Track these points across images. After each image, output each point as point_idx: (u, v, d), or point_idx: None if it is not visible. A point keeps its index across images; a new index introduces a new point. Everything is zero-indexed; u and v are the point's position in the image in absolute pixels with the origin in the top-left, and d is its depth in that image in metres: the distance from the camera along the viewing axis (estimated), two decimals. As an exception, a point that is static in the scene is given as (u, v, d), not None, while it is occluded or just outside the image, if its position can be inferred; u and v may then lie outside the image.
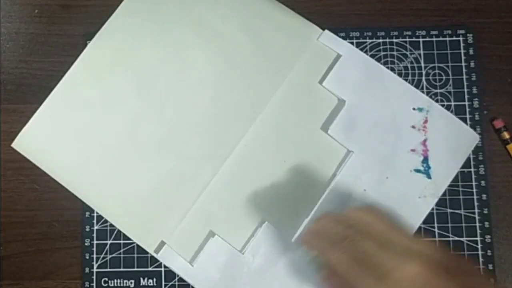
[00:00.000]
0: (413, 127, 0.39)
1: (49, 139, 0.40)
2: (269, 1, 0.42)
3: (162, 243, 0.39)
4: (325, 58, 0.40)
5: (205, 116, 0.40)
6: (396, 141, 0.39)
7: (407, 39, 0.42)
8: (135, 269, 0.40)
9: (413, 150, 0.39)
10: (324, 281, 0.33)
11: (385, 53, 0.42)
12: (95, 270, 0.40)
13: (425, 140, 0.39)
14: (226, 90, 0.40)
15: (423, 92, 0.41)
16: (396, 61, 0.42)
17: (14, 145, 0.40)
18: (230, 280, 0.38)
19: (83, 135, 0.40)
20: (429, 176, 0.39)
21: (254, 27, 0.41)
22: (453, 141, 0.39)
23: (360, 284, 0.28)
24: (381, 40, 0.42)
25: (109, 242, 0.40)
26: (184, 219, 0.39)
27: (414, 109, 0.39)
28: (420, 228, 0.39)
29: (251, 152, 0.39)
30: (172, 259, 0.38)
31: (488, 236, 0.39)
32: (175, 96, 0.41)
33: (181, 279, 0.39)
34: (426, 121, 0.39)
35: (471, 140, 0.39)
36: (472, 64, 0.41)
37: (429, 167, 0.39)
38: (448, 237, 0.39)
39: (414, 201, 0.38)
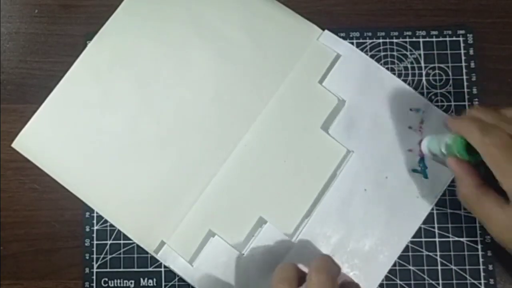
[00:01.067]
0: (410, 127, 0.39)
1: (49, 139, 0.40)
2: (269, 1, 0.42)
3: (162, 243, 0.39)
4: (325, 58, 0.40)
5: (205, 116, 0.40)
6: (394, 141, 0.39)
7: (407, 39, 0.42)
8: (135, 269, 0.40)
9: (410, 150, 0.39)
10: (453, 165, 0.33)
11: (385, 53, 0.42)
12: (95, 270, 0.40)
13: (421, 141, 0.39)
14: (226, 90, 0.40)
15: (423, 92, 0.41)
16: (396, 61, 0.42)
17: (14, 145, 0.40)
18: (230, 281, 0.38)
19: (83, 135, 0.40)
20: (426, 176, 0.39)
21: (254, 27, 0.41)
22: None
23: (508, 173, 0.28)
24: (381, 40, 0.42)
25: (109, 242, 0.40)
26: (184, 219, 0.39)
27: (411, 109, 0.40)
28: (420, 228, 0.39)
29: (251, 152, 0.39)
30: (172, 259, 0.38)
31: (488, 236, 0.39)
32: (175, 96, 0.41)
33: (181, 279, 0.39)
34: (422, 122, 0.39)
35: None
36: (472, 64, 0.41)
37: (425, 167, 0.39)
38: (448, 237, 0.39)
39: (413, 201, 0.38)
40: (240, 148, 0.39)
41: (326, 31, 0.41)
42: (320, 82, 0.40)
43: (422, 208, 0.39)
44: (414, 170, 0.39)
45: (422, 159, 0.39)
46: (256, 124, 0.40)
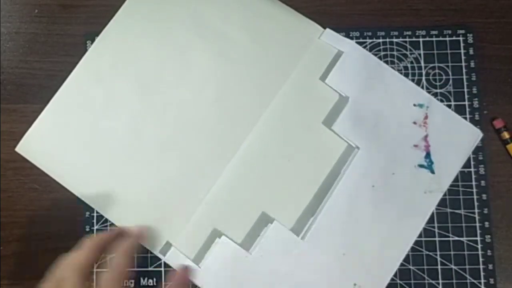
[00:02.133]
0: (415, 123, 0.39)
1: (52, 142, 0.40)
2: (270, 1, 0.42)
3: (168, 244, 0.38)
4: (327, 55, 0.40)
5: (208, 117, 0.40)
6: (399, 137, 0.39)
7: (407, 39, 0.42)
8: (135, 269, 0.40)
9: (416, 146, 0.39)
10: None
11: (385, 53, 0.42)
12: (95, 270, 0.40)
13: (426, 136, 0.39)
14: (228, 90, 0.40)
15: (423, 92, 0.41)
16: (396, 61, 0.42)
17: (18, 149, 0.40)
18: (239, 281, 0.37)
19: (87, 138, 0.40)
20: (432, 171, 0.39)
21: (255, 27, 0.41)
22: (453, 136, 0.39)
23: None
24: (381, 40, 0.42)
25: (109, 242, 0.40)
26: (190, 220, 0.39)
27: (414, 105, 0.39)
28: (420, 228, 0.39)
29: (255, 152, 0.39)
30: (180, 261, 0.38)
31: (488, 236, 0.39)
32: (177, 97, 0.41)
33: (181, 279, 0.39)
34: (426, 117, 0.39)
35: (473, 136, 0.39)
36: (472, 64, 0.41)
37: (431, 162, 0.39)
38: (448, 237, 0.39)
39: (420, 196, 0.38)
40: (244, 148, 0.39)
41: (327, 29, 0.41)
42: (322, 79, 0.40)
43: (428, 203, 0.38)
44: (421, 166, 0.39)
45: (428, 154, 0.39)
46: (260, 124, 0.40)
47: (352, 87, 0.39)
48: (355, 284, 0.37)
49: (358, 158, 0.38)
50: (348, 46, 0.40)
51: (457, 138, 0.39)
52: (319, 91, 0.40)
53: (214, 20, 0.41)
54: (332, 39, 0.41)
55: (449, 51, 0.41)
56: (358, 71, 0.40)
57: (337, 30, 0.41)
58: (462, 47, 0.41)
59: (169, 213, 0.39)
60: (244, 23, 0.41)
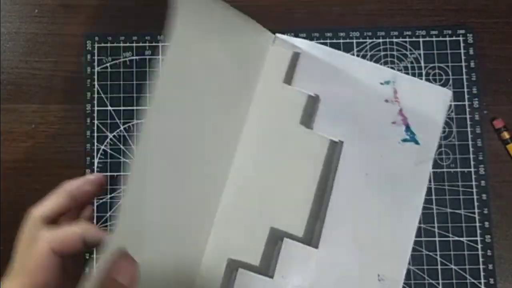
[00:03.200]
0: (386, 100, 0.39)
1: None
2: (223, 8, 0.36)
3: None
4: (285, 59, 0.39)
5: (191, 150, 0.36)
6: (376, 119, 0.39)
7: (407, 39, 0.42)
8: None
9: (394, 123, 0.38)
10: None
11: (385, 53, 0.42)
12: (95, 270, 0.40)
13: (400, 110, 0.38)
14: (196, 121, 0.36)
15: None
16: (396, 61, 0.42)
17: None
18: None
19: None
20: (417, 142, 0.38)
21: (203, 51, 0.35)
22: (425, 102, 0.38)
23: None
24: (381, 40, 0.42)
25: (109, 242, 0.40)
26: (203, 255, 0.37)
27: (381, 83, 0.39)
28: (420, 228, 0.39)
29: (245, 172, 0.38)
30: None
31: (488, 236, 0.39)
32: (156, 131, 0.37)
33: (181, 279, 0.39)
34: (396, 92, 0.39)
35: (444, 96, 0.38)
36: (472, 64, 0.41)
37: (413, 134, 0.38)
38: (448, 237, 0.39)
39: (412, 170, 0.38)
40: (233, 172, 0.38)
41: (277, 35, 0.39)
42: (288, 83, 0.39)
43: (422, 174, 0.38)
44: (404, 140, 0.38)
45: (407, 127, 0.38)
46: (241, 144, 0.38)
47: (319, 84, 0.39)
48: (378, 275, 0.37)
49: (344, 151, 0.38)
50: (303, 45, 0.39)
51: (429, 102, 0.38)
52: (288, 95, 0.39)
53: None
54: (285, 43, 0.40)
55: (449, 51, 0.41)
56: (319, 66, 0.39)
57: (336, 30, 0.41)
58: (462, 47, 0.41)
59: (182, 251, 0.36)
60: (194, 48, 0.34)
